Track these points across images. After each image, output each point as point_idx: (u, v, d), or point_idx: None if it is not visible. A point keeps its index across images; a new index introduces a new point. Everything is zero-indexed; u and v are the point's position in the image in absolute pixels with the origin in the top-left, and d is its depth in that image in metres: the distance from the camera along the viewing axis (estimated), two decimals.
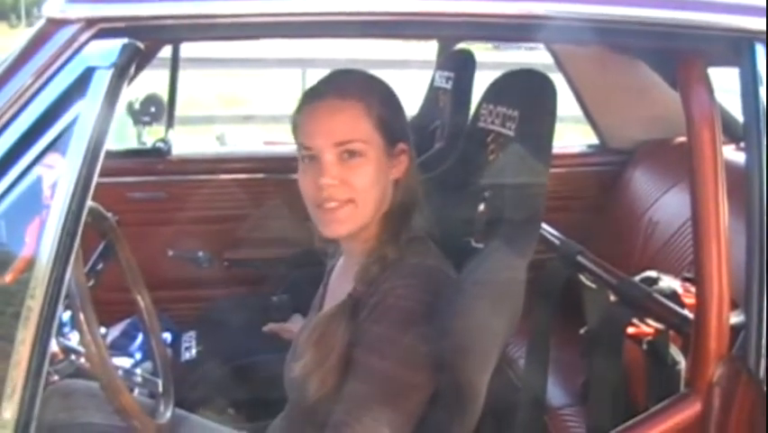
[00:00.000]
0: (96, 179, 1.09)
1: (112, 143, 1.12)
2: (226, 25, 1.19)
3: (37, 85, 1.11)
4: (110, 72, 1.09)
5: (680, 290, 1.81)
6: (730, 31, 1.34)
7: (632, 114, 2.96)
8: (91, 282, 1.67)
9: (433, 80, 2.84)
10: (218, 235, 2.90)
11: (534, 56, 5.88)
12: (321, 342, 1.39)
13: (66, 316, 1.55)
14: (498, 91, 1.61)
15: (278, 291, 2.57)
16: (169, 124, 3.11)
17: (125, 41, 1.10)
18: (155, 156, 2.96)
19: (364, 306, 1.35)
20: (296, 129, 1.44)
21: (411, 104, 2.49)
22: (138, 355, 2.49)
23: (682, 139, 2.64)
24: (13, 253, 1.14)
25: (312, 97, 1.42)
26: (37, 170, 1.11)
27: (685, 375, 1.53)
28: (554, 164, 1.45)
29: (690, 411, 1.38)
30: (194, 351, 2.52)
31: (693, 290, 1.53)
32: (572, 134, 4.34)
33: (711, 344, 1.35)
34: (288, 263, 2.74)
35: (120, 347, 2.50)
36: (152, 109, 3.29)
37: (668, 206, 2.62)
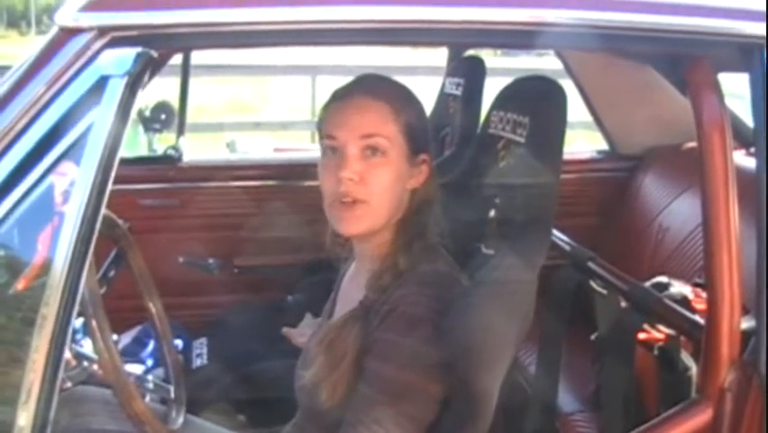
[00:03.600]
0: (110, 187, 1.10)
1: (123, 151, 1.12)
2: (238, 33, 1.19)
3: (50, 94, 1.11)
4: (124, 81, 1.09)
5: (691, 296, 1.80)
6: (740, 36, 1.34)
7: (641, 119, 2.95)
8: (103, 289, 1.68)
9: (443, 87, 2.84)
10: (228, 242, 2.90)
11: (544, 62, 5.87)
12: (332, 349, 1.40)
13: (78, 323, 1.56)
14: (508, 98, 1.61)
15: (293, 293, 2.58)
16: (180, 132, 3.11)
17: (139, 49, 1.11)
18: (166, 163, 2.97)
19: (376, 313, 1.36)
20: (321, 122, 1.45)
21: None
22: (149, 362, 2.50)
23: (692, 144, 2.64)
24: (26, 260, 1.15)
25: (341, 95, 1.43)
26: (49, 178, 1.11)
27: (696, 381, 1.53)
28: (564, 170, 1.45)
29: (701, 417, 1.38)
30: (205, 357, 2.52)
31: (704, 295, 1.53)
32: (582, 141, 4.34)
33: (722, 349, 1.35)
34: (300, 269, 2.74)
35: (131, 354, 2.51)
36: (163, 116, 3.31)
37: (678, 211, 2.61)
